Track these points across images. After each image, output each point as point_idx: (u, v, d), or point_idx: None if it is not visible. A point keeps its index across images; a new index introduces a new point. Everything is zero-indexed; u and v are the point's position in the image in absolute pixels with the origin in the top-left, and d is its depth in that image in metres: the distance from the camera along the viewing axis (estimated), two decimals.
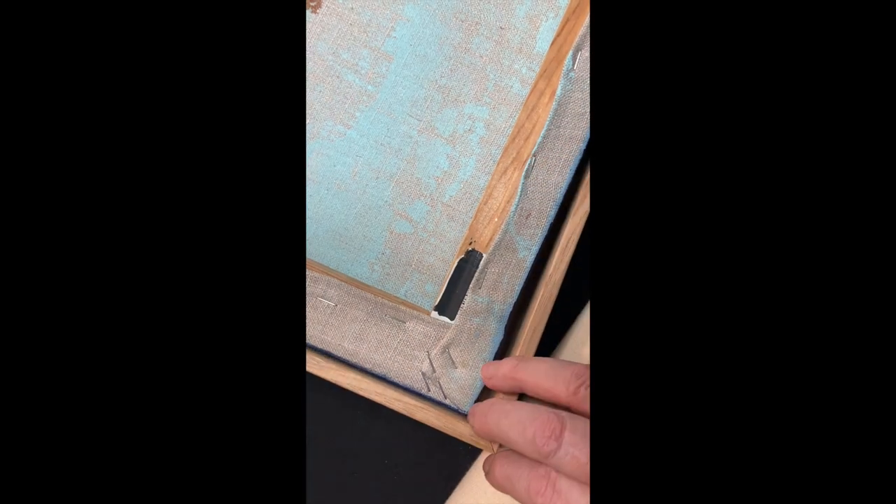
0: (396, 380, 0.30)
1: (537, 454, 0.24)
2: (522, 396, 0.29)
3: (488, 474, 0.27)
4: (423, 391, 0.30)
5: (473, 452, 0.32)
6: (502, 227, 0.29)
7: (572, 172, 0.30)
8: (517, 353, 0.29)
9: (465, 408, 0.29)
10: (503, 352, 0.30)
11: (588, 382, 0.25)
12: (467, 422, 0.29)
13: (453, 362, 0.30)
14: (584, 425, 0.24)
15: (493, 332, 0.30)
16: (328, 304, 0.30)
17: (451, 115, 0.32)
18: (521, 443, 0.25)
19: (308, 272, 0.30)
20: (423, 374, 0.30)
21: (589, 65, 0.30)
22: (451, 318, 0.30)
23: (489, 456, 0.28)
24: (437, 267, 0.31)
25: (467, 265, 0.31)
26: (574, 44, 0.30)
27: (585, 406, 0.25)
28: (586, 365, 0.26)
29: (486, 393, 0.31)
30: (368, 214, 0.31)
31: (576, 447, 0.23)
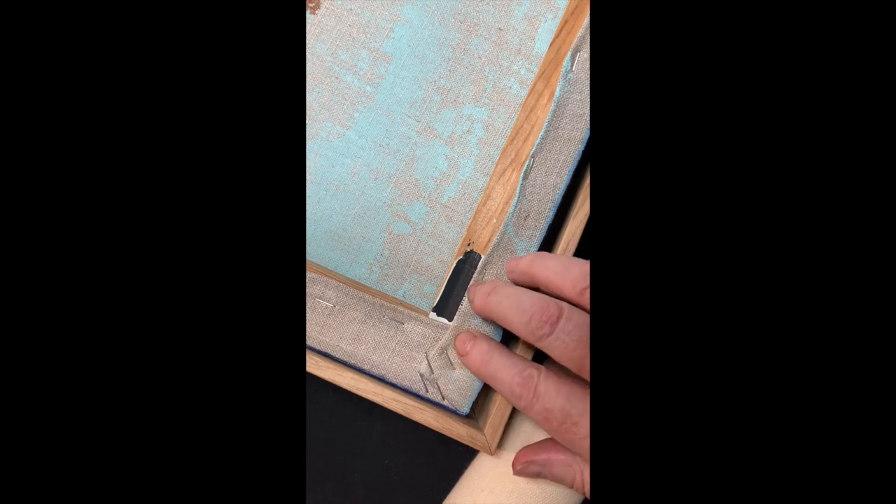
0: (394, 381, 0.30)
1: (531, 336, 0.25)
2: None
3: (465, 356, 0.28)
4: (421, 392, 0.30)
5: (472, 453, 0.32)
6: (501, 228, 0.29)
7: (571, 174, 0.30)
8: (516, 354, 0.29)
9: (463, 409, 0.29)
10: None
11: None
12: (465, 423, 0.29)
13: (451, 363, 0.30)
14: (579, 317, 0.25)
15: (491, 334, 0.30)
16: (326, 305, 0.30)
17: (449, 116, 0.32)
18: (518, 324, 0.26)
19: (306, 273, 0.30)
20: (422, 375, 0.30)
21: (588, 66, 0.30)
22: (450, 320, 0.30)
23: (465, 334, 0.28)
24: (435, 268, 0.31)
25: (466, 266, 0.31)
26: (573, 45, 0.30)
27: (589, 306, 0.25)
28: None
29: (485, 393, 0.31)
30: (367, 215, 0.31)
31: (568, 335, 0.24)
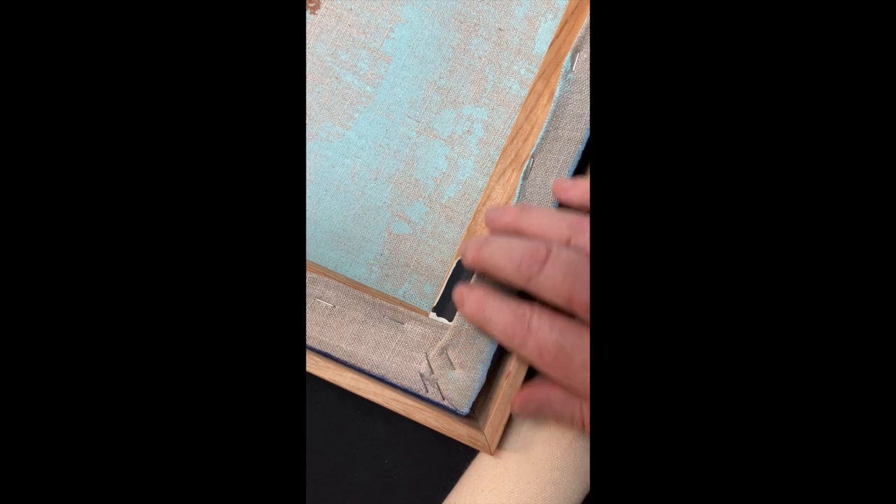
0: (394, 381, 0.30)
1: (521, 279, 0.26)
2: None
3: (462, 304, 0.28)
4: (421, 392, 0.30)
5: (471, 453, 0.32)
6: None
7: (570, 174, 0.30)
8: (515, 356, 0.29)
9: (463, 409, 0.29)
10: (501, 353, 0.30)
11: (579, 235, 0.26)
12: (465, 423, 0.29)
13: (451, 363, 0.30)
14: (568, 254, 0.25)
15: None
16: (326, 305, 0.30)
17: (449, 117, 0.32)
18: (509, 269, 0.26)
19: (306, 273, 0.30)
20: (422, 375, 0.30)
21: (587, 66, 0.30)
22: (450, 320, 0.30)
23: (462, 286, 0.29)
24: (435, 268, 0.31)
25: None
26: (573, 45, 0.30)
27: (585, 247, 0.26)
28: (582, 216, 0.27)
29: (485, 393, 0.31)
30: (367, 215, 0.31)
31: (557, 271, 0.25)
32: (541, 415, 0.28)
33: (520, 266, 0.26)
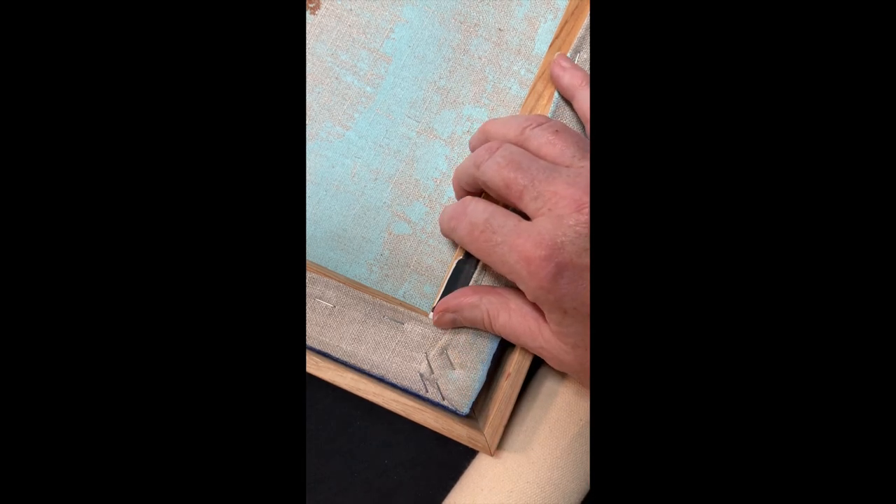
0: (394, 381, 0.30)
1: (473, 168, 0.28)
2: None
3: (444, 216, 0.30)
4: (421, 392, 0.30)
5: (471, 453, 0.32)
6: None
7: None
8: (515, 356, 0.29)
9: (463, 409, 0.29)
10: (501, 353, 0.31)
11: (528, 129, 0.27)
12: (465, 423, 0.29)
13: (451, 364, 0.30)
14: (511, 147, 0.27)
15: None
16: (326, 305, 0.30)
17: (449, 117, 0.32)
18: (468, 165, 0.28)
19: (306, 273, 0.30)
20: (421, 375, 0.30)
21: (588, 66, 0.30)
22: None
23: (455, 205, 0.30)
24: (435, 268, 0.31)
25: (465, 266, 0.31)
26: (573, 45, 0.30)
27: (532, 142, 0.28)
28: (536, 116, 0.28)
29: (485, 394, 0.31)
30: (367, 216, 0.31)
31: (502, 157, 0.27)
32: (457, 323, 0.30)
33: (475, 157, 0.28)
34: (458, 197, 0.31)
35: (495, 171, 0.26)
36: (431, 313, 0.30)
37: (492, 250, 0.26)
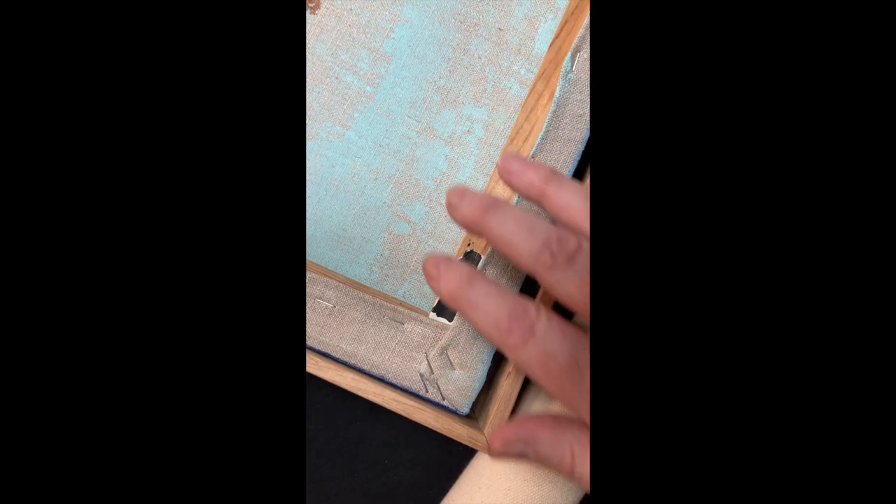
0: (394, 381, 0.30)
1: (540, 265, 0.21)
2: None
3: (436, 279, 0.23)
4: (421, 392, 0.30)
5: (471, 453, 0.32)
6: None
7: (570, 174, 0.30)
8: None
9: (463, 409, 0.29)
10: (500, 354, 0.30)
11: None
12: (465, 423, 0.29)
13: (451, 364, 0.30)
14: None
15: None
16: (326, 305, 0.30)
17: (449, 117, 0.32)
18: (524, 248, 0.21)
19: (306, 273, 0.30)
20: (422, 375, 0.30)
21: (588, 66, 0.30)
22: (450, 320, 0.30)
23: (436, 257, 0.23)
24: None
25: None
26: (573, 45, 0.30)
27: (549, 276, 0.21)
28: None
29: (485, 393, 0.31)
30: (367, 215, 0.31)
31: (585, 272, 0.21)
32: (525, 456, 0.23)
33: (542, 249, 0.21)
34: (453, 210, 0.24)
35: (575, 290, 0.21)
36: (433, 313, 0.30)
37: (581, 400, 0.21)
